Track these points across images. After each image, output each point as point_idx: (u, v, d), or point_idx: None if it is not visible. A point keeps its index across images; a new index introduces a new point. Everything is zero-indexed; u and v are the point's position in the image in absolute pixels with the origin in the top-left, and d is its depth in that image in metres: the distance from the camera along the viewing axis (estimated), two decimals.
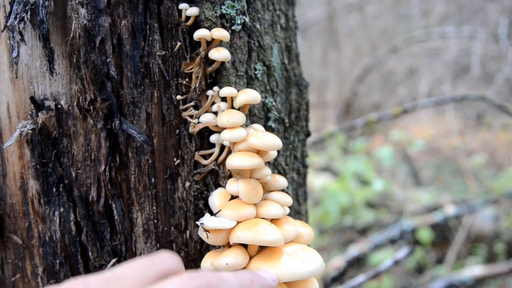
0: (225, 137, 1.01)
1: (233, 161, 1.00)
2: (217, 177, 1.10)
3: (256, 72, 1.14)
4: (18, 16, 0.96)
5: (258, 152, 1.03)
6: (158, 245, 1.08)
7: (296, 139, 1.28)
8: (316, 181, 6.64)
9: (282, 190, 1.12)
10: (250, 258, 1.01)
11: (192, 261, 1.10)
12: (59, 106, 1.02)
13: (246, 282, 0.86)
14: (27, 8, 0.96)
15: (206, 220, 1.00)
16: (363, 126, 2.96)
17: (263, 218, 1.02)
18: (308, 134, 1.34)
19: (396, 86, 11.34)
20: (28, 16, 0.96)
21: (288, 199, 1.08)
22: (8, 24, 0.98)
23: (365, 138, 8.68)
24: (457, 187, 8.10)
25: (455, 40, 9.13)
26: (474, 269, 4.71)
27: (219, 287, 0.81)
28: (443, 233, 6.16)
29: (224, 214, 1.01)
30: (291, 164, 1.27)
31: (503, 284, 5.75)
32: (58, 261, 1.07)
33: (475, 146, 9.41)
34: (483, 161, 7.73)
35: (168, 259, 0.85)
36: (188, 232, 1.09)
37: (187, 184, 1.08)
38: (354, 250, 3.44)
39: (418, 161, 9.36)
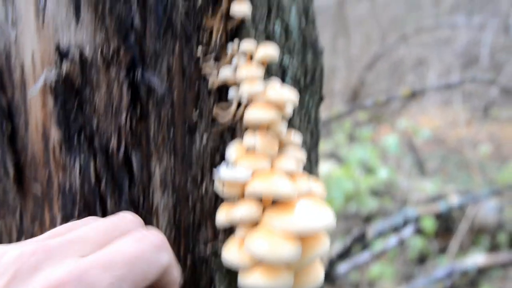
0: (244, 90, 1.04)
1: (251, 114, 1.03)
2: (234, 131, 1.13)
3: (274, 31, 1.16)
4: None
5: (276, 106, 1.05)
6: (174, 197, 1.11)
7: (311, 101, 1.31)
8: (321, 167, 6.65)
9: (296, 147, 1.14)
10: (264, 210, 1.04)
11: (207, 215, 1.13)
12: (83, 55, 1.04)
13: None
14: None
15: (223, 171, 1.03)
16: (371, 107, 2.97)
17: (277, 172, 1.04)
18: (322, 98, 1.36)
19: (405, 74, 11.32)
20: None
21: (303, 155, 1.11)
22: None
23: (372, 127, 8.69)
24: (462, 178, 8.12)
25: (465, 29, 9.11)
26: (477, 258, 4.74)
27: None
28: (446, 223, 6.19)
29: (240, 165, 1.03)
30: (305, 125, 1.30)
31: (505, 276, 5.78)
32: (77, 210, 1.10)
33: (482, 138, 9.41)
34: (489, 151, 7.73)
35: (132, 222, 0.90)
36: (204, 185, 1.12)
37: (205, 138, 1.11)
38: (355, 232, 3.47)
39: (424, 151, 9.37)
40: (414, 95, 3.00)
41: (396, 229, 4.20)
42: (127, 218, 0.90)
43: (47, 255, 0.75)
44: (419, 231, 4.50)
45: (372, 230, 3.76)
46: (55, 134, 1.09)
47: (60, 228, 0.90)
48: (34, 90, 1.05)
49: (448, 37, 9.88)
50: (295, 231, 0.99)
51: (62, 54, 1.05)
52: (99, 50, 1.04)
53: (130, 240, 0.82)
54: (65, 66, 1.04)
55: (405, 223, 4.28)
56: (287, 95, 1.03)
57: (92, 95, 1.06)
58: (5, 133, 1.13)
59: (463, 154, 8.53)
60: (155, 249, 0.83)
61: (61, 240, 0.79)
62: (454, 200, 4.95)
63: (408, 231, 2.67)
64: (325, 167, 6.64)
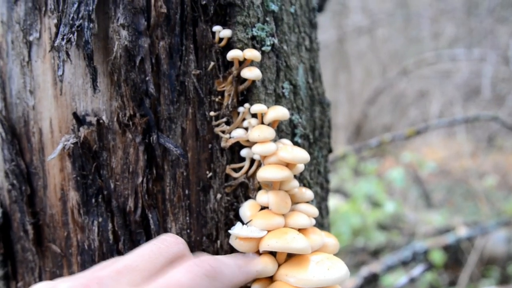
0: (256, 151, 1.08)
1: (264, 173, 1.06)
2: (247, 189, 1.16)
3: (283, 91, 1.21)
4: (65, 37, 1.03)
5: (287, 165, 1.09)
6: None
7: (320, 154, 1.34)
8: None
9: (308, 202, 1.17)
10: (279, 265, 1.07)
11: None
12: (100, 121, 1.08)
13: (241, 263, 0.97)
14: (73, 29, 1.03)
15: (238, 229, 1.06)
16: (376, 147, 3.01)
17: (291, 228, 1.07)
18: (330, 150, 1.40)
19: (407, 108, 11.39)
20: (75, 37, 1.03)
21: (315, 211, 1.14)
22: (56, 44, 1.05)
23: (376, 160, 8.71)
24: (469, 209, 8.08)
25: (465, 62, 9.19)
26: None
27: (222, 269, 0.88)
28: (455, 255, 6.13)
29: (254, 223, 1.06)
30: (315, 179, 1.33)
31: None
32: None
33: (487, 168, 9.40)
34: (495, 183, 7.71)
35: (174, 244, 0.91)
36: (219, 242, 1.15)
37: (219, 196, 1.14)
38: (366, 271, 3.46)
39: (430, 183, 9.35)
40: (418, 133, 3.04)
41: (405, 263, 4.18)
42: (168, 241, 0.90)
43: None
44: (430, 267, 4.48)
45: (380, 265, 3.75)
46: (73, 197, 1.12)
47: (105, 262, 0.91)
48: (53, 155, 1.09)
49: (449, 69, 9.97)
50: (310, 287, 1.01)
51: (79, 121, 1.09)
52: (115, 116, 1.08)
53: (183, 270, 0.83)
54: (82, 132, 1.08)
55: (414, 256, 4.26)
56: (299, 155, 1.06)
57: (109, 158, 1.10)
58: (24, 195, 1.16)
59: (469, 185, 8.51)
60: (208, 278, 0.84)
61: (110, 271, 0.79)
62: (462, 231, 4.93)
63: (418, 269, 2.67)
64: (331, 202, 6.61)
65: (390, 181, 6.66)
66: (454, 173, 9.87)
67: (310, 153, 1.29)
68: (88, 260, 1.13)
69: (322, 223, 1.37)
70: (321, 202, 1.37)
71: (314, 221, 1.15)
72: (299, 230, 1.08)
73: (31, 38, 1.13)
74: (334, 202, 6.75)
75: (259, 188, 1.15)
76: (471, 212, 7.79)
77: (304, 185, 1.28)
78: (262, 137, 1.07)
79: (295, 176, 1.19)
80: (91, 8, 1.04)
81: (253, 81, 1.14)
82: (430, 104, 9.89)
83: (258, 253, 1.08)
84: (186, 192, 1.12)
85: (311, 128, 1.31)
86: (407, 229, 6.91)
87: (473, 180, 7.95)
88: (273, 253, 1.08)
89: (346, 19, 11.44)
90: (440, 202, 8.90)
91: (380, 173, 8.03)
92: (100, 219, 1.11)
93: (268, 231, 1.05)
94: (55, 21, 1.08)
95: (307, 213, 1.12)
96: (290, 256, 1.08)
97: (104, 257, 1.12)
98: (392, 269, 4.01)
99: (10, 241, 1.21)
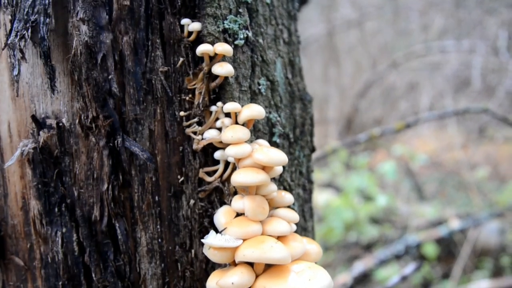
0: (230, 153, 1.00)
1: (238, 178, 0.98)
2: (222, 194, 1.09)
3: (259, 87, 1.13)
4: (19, 33, 0.95)
5: (264, 168, 1.01)
6: (162, 265, 1.06)
7: (301, 154, 1.27)
8: (319, 197, 6.61)
9: (288, 207, 1.09)
10: (257, 276, 0.99)
11: (197, 281, 1.08)
12: (60, 124, 1.00)
13: None
14: (27, 25, 0.95)
15: (212, 238, 0.98)
16: (366, 141, 2.94)
17: (269, 235, 1.00)
18: (313, 149, 1.32)
19: (397, 100, 11.35)
20: (29, 34, 0.95)
21: (295, 216, 1.06)
22: (9, 41, 0.97)
23: (368, 154, 8.67)
24: (461, 200, 8.07)
25: (455, 53, 9.16)
26: (481, 284, 4.67)
27: None
28: (448, 248, 6.12)
29: (229, 232, 0.99)
30: (297, 180, 1.26)
31: None
32: (60, 282, 1.05)
33: (478, 159, 9.38)
34: (487, 174, 7.70)
35: None
36: (193, 251, 1.08)
37: (192, 201, 1.07)
38: (359, 266, 3.40)
39: (421, 176, 9.33)
40: (408, 127, 2.98)
41: (398, 256, 4.14)
42: None
43: None
44: (422, 264, 4.43)
45: (373, 259, 3.70)
46: (35, 206, 1.04)
47: None
48: (11, 162, 1.01)
49: (439, 61, 9.91)
50: None
51: (38, 124, 1.01)
52: (77, 118, 1.00)
53: None
54: (42, 136, 1.00)
55: (407, 250, 4.22)
56: (275, 157, 0.99)
57: (71, 164, 1.02)
58: None
59: (461, 176, 8.48)
60: None
61: None
62: (455, 224, 4.90)
63: (410, 268, 2.61)
64: (323, 197, 6.59)
65: (382, 175, 6.63)
66: (445, 165, 9.84)
67: (290, 153, 1.21)
68: (52, 273, 1.05)
69: (305, 226, 1.29)
70: (303, 204, 1.30)
71: (294, 227, 1.07)
72: (278, 237, 1.01)
73: None
74: (325, 196, 6.70)
75: (235, 193, 1.07)
76: (463, 204, 7.78)
77: (285, 188, 1.20)
78: (235, 138, 1.00)
79: (274, 179, 1.12)
80: (47, 1, 0.96)
81: (226, 78, 1.06)
82: (420, 96, 9.85)
83: (234, 263, 1.01)
84: (156, 198, 1.05)
85: (291, 127, 1.23)
86: (399, 222, 6.88)
87: (465, 172, 7.93)
88: (250, 263, 1.00)
89: (335, 13, 11.37)
90: (432, 194, 8.88)
91: (371, 167, 7.98)
92: (64, 230, 1.03)
93: (244, 239, 0.98)
94: (10, 16, 0.99)
95: (286, 219, 1.04)
96: (269, 266, 1.01)
97: (69, 270, 1.04)
98: (385, 263, 3.97)
99: None
